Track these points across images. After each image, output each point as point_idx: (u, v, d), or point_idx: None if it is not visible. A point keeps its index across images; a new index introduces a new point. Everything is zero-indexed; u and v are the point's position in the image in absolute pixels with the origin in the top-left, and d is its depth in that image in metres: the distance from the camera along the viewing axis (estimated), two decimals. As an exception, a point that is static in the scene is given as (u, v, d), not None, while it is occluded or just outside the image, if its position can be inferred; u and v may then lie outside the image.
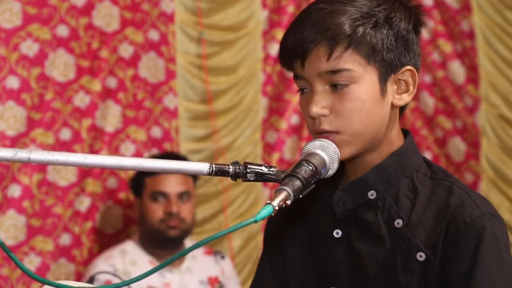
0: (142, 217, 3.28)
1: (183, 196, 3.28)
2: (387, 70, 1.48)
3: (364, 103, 1.46)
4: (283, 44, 1.51)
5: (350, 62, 1.45)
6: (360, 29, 1.45)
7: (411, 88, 1.51)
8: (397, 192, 1.50)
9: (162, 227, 3.22)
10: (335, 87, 1.46)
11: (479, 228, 1.42)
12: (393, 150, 1.52)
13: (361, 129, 1.46)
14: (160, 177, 3.24)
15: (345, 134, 1.46)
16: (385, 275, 1.47)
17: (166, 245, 3.26)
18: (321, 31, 1.45)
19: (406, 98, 1.51)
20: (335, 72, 1.45)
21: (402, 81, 1.50)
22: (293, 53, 1.48)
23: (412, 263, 1.44)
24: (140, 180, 3.29)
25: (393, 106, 1.50)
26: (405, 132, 1.56)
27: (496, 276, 1.42)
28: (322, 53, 1.45)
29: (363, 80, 1.46)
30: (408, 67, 1.50)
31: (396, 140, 1.53)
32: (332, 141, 1.45)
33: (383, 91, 1.48)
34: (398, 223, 1.48)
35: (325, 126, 1.46)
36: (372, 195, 1.50)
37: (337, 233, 1.52)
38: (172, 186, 3.26)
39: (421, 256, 1.44)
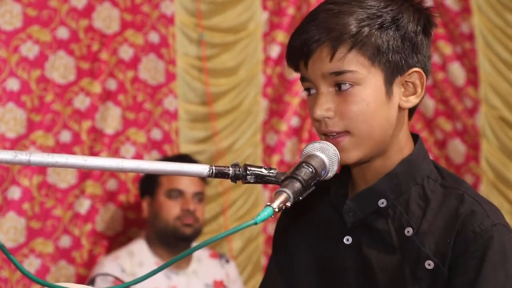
0: (155, 214, 3.28)
1: (198, 196, 3.32)
2: (393, 72, 1.46)
3: (368, 105, 1.44)
4: (289, 44, 1.50)
5: (354, 64, 1.43)
6: (365, 30, 1.43)
7: (419, 90, 1.49)
8: (408, 199, 1.48)
9: (177, 224, 3.24)
10: (339, 89, 1.45)
11: (487, 238, 1.41)
12: (403, 155, 1.50)
13: (368, 130, 1.45)
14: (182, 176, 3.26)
15: (354, 135, 1.45)
16: (393, 283, 1.46)
17: (176, 245, 3.26)
18: (325, 31, 1.44)
19: (413, 100, 1.49)
20: (338, 73, 1.43)
21: (409, 83, 1.48)
22: (297, 53, 1.47)
23: (420, 271, 1.44)
24: (154, 178, 3.29)
25: (400, 108, 1.49)
26: (415, 137, 1.54)
27: (500, 287, 1.40)
28: (325, 53, 1.44)
29: (367, 81, 1.44)
30: (416, 69, 1.48)
31: (405, 144, 1.51)
32: (341, 143, 1.44)
33: (388, 93, 1.46)
34: (408, 231, 1.47)
35: (333, 127, 1.45)
36: (383, 203, 1.49)
37: (348, 240, 1.51)
38: (189, 185, 3.29)
39: (429, 265, 1.43)
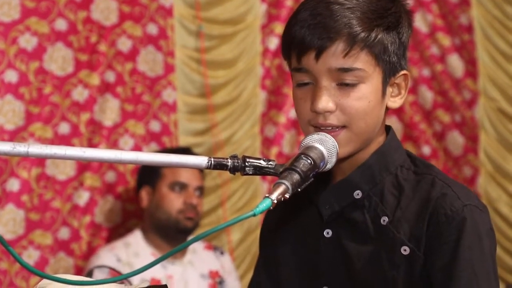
0: (156, 206, 3.29)
1: (199, 190, 3.35)
2: (389, 72, 1.50)
3: (369, 103, 1.47)
4: (293, 35, 1.49)
5: (363, 62, 1.46)
6: (376, 30, 1.46)
7: (403, 91, 1.54)
8: (382, 189, 1.51)
9: (180, 217, 3.26)
10: (343, 85, 1.46)
11: (459, 220, 1.43)
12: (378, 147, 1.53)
13: (364, 128, 1.48)
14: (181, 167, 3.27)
15: (351, 131, 1.47)
16: (372, 272, 1.48)
17: (174, 237, 3.27)
18: (341, 27, 1.45)
19: (398, 101, 1.54)
20: (347, 70, 1.45)
21: (396, 85, 1.52)
22: (307, 46, 1.46)
23: (397, 257, 1.46)
24: (156, 169, 3.29)
25: (386, 108, 1.53)
26: (387, 128, 1.57)
27: (477, 268, 1.42)
28: (340, 49, 1.45)
29: (371, 80, 1.47)
30: (404, 71, 1.52)
31: (382, 139, 1.55)
32: (337, 137, 1.45)
33: (384, 93, 1.50)
34: (384, 220, 1.49)
35: (332, 121, 1.47)
36: (358, 194, 1.52)
37: (328, 233, 1.54)
38: (192, 179, 3.32)
39: (405, 250, 1.45)
